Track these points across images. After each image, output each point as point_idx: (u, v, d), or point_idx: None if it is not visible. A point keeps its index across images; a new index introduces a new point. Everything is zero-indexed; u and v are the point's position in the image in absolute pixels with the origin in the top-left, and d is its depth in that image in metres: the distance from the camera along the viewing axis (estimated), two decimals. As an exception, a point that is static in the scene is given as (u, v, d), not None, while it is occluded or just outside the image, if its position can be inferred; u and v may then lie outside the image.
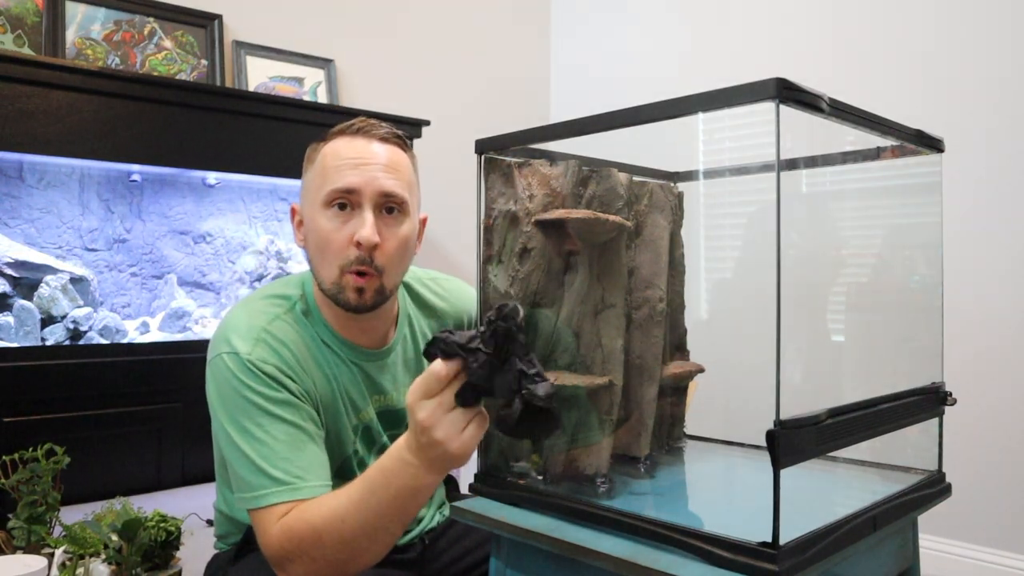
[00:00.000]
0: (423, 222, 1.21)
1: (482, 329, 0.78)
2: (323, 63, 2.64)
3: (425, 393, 0.82)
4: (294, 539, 0.94)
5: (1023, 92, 2.11)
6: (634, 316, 1.08)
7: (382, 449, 1.20)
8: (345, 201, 1.08)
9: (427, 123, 2.60)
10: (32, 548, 1.41)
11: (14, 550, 1.41)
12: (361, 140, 1.11)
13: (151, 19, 2.28)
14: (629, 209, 1.07)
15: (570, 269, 1.02)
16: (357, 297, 1.08)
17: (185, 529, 1.51)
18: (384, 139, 1.12)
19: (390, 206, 1.09)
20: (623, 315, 1.05)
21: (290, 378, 1.06)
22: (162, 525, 1.40)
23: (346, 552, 0.93)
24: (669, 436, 1.20)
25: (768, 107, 0.75)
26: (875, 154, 1.12)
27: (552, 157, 1.06)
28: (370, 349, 1.18)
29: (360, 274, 1.07)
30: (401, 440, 0.89)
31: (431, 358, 0.83)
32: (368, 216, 1.07)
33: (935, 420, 1.08)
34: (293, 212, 1.17)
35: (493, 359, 0.78)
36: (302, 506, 0.96)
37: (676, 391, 1.20)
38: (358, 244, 1.06)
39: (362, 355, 1.17)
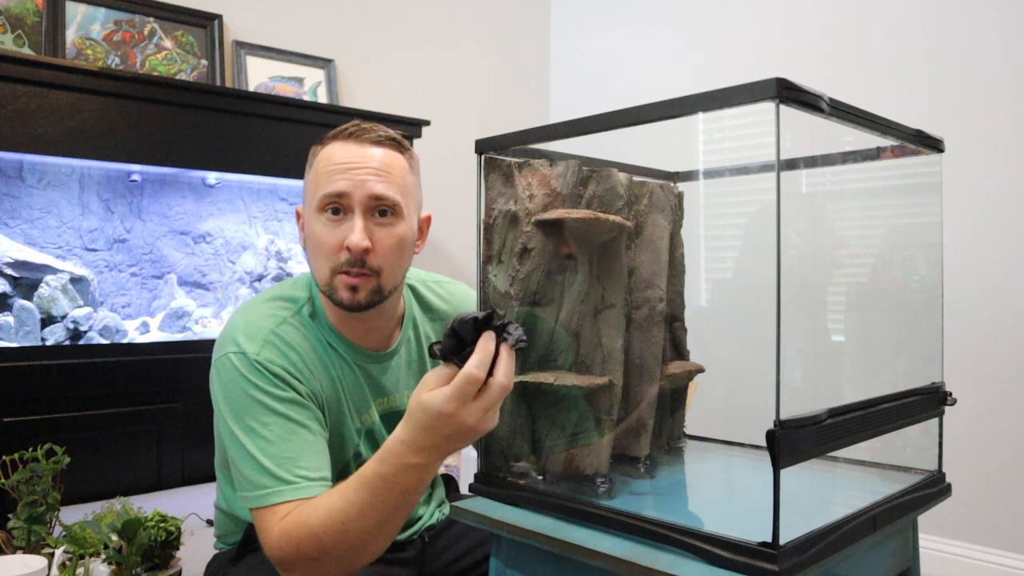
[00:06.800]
0: (427, 221, 1.21)
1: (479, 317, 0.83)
2: (323, 63, 2.64)
3: (462, 399, 0.82)
4: (293, 542, 0.93)
5: (1023, 92, 2.11)
6: (634, 316, 1.08)
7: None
8: (337, 206, 1.08)
9: (427, 123, 2.60)
10: (32, 548, 1.41)
11: (14, 550, 1.41)
12: (353, 144, 1.10)
13: (151, 19, 2.28)
14: (629, 209, 1.07)
15: (570, 269, 1.02)
16: (351, 296, 1.08)
17: (185, 529, 1.51)
18: (377, 142, 1.12)
19: (382, 209, 1.09)
20: (623, 315, 1.05)
21: (297, 380, 1.06)
22: (162, 525, 1.40)
23: (351, 551, 0.93)
24: (669, 436, 1.20)
25: (768, 107, 0.75)
26: (875, 154, 1.12)
27: (552, 157, 1.06)
28: (374, 351, 1.18)
29: (353, 274, 1.07)
30: (399, 445, 0.87)
31: (448, 355, 0.84)
32: (358, 221, 1.07)
33: (935, 420, 1.08)
34: (298, 215, 1.18)
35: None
36: (299, 509, 0.96)
37: (676, 391, 1.20)
38: (348, 249, 1.07)
39: (366, 357, 1.17)
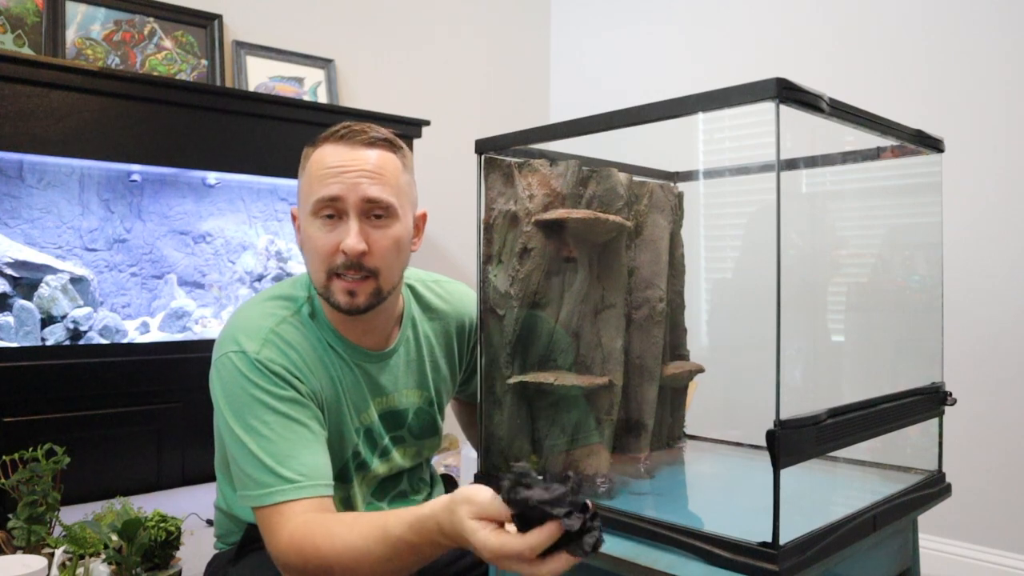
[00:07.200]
0: (423, 218, 1.21)
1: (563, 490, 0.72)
2: (323, 63, 2.64)
3: (496, 555, 0.75)
4: (301, 557, 0.94)
5: (1023, 92, 2.11)
6: (634, 316, 1.08)
7: (384, 451, 1.20)
8: (331, 210, 1.08)
9: (427, 123, 2.60)
10: (32, 548, 1.41)
11: (14, 550, 1.41)
12: (344, 147, 1.10)
13: (151, 19, 2.28)
14: (629, 209, 1.07)
15: (570, 269, 1.02)
16: (349, 300, 1.09)
17: (185, 529, 1.51)
18: (369, 143, 1.11)
19: (376, 211, 1.09)
20: (623, 315, 1.05)
21: (297, 379, 1.07)
22: (162, 525, 1.40)
23: None
24: (669, 436, 1.21)
25: (768, 107, 0.75)
26: (875, 154, 1.12)
27: (552, 157, 1.06)
28: (373, 351, 1.18)
29: (351, 278, 1.08)
30: (434, 524, 0.83)
31: (521, 516, 0.73)
32: (353, 225, 1.07)
33: (935, 420, 1.08)
34: (293, 216, 1.18)
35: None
36: (311, 525, 0.95)
37: (676, 391, 1.20)
38: (344, 252, 1.07)
39: (365, 356, 1.17)
